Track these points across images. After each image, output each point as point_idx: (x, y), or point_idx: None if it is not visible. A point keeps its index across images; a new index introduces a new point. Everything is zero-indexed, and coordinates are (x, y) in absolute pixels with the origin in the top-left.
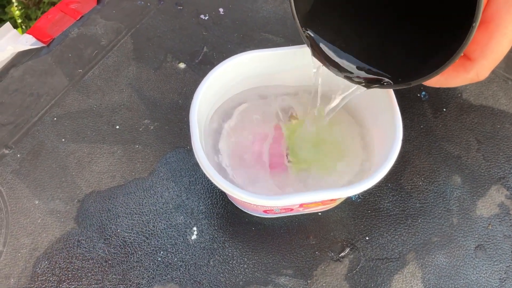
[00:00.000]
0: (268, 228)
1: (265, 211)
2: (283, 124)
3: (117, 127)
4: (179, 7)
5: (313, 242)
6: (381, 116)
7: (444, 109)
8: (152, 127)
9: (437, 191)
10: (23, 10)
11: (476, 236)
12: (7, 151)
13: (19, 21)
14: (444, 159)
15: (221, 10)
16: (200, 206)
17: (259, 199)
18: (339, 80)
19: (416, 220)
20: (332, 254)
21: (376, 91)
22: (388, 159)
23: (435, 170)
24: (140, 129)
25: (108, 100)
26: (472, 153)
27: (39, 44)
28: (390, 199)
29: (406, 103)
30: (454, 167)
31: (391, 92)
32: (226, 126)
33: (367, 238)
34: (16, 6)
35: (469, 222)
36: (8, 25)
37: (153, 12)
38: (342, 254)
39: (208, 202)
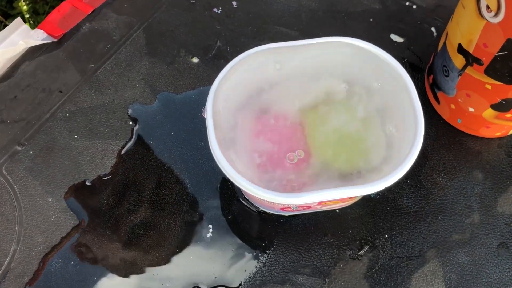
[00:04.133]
0: (285, 225)
1: (282, 209)
2: (303, 114)
3: (130, 123)
4: (191, 0)
5: (331, 240)
6: (404, 110)
7: None
8: (165, 124)
9: (458, 188)
10: (30, 4)
11: (498, 233)
12: (19, 148)
13: (27, 16)
14: (464, 154)
15: (234, 3)
16: (216, 203)
17: (276, 196)
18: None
19: (436, 217)
20: (351, 252)
21: (396, 87)
22: (409, 157)
23: (455, 166)
24: (154, 126)
25: (121, 96)
26: (493, 148)
27: (51, 39)
28: (410, 196)
29: (426, 98)
30: (474, 163)
31: (412, 88)
32: (243, 118)
33: (386, 236)
34: (23, 1)
35: (491, 219)
36: (19, 19)
37: (165, 6)
38: (361, 252)
39: (224, 199)
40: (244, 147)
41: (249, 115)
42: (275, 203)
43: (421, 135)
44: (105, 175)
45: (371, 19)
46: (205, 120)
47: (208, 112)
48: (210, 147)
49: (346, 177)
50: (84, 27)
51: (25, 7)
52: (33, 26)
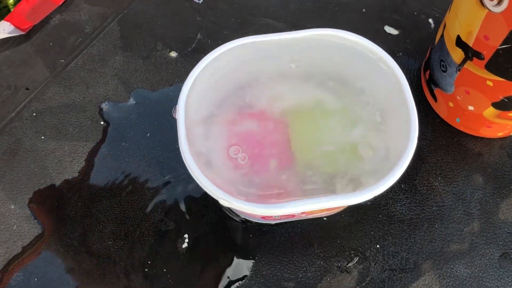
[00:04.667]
0: (267, 235)
1: (263, 217)
2: (289, 116)
3: (102, 122)
4: None
5: (318, 251)
6: (396, 109)
7: None
8: (139, 123)
9: (456, 193)
10: None
11: (501, 243)
12: None
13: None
14: (463, 156)
15: None
16: (193, 210)
17: (252, 207)
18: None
19: (432, 226)
20: (339, 264)
21: (389, 82)
22: (401, 162)
23: (453, 169)
24: (127, 126)
25: (92, 93)
26: (495, 149)
27: (18, 32)
28: (404, 202)
29: (422, 95)
30: (474, 166)
31: (405, 84)
32: (221, 115)
33: (377, 246)
34: None
35: (493, 227)
36: None
37: None
38: (350, 264)
39: (201, 206)
40: (221, 148)
41: (229, 113)
42: (254, 214)
43: (414, 141)
44: (73, 180)
45: (364, 10)
46: (176, 121)
47: (180, 113)
48: (181, 151)
49: (333, 184)
50: (54, 19)
51: (11, 0)
52: None
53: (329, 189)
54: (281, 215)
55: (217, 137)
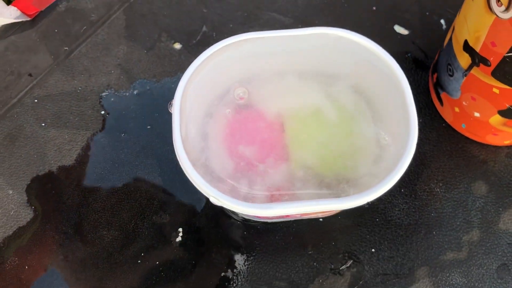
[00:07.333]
0: (261, 233)
1: (257, 216)
2: (286, 115)
3: (102, 112)
4: None
5: (311, 252)
6: (396, 112)
7: None
8: (140, 114)
9: (457, 200)
10: None
11: (500, 253)
12: None
13: None
14: (467, 163)
15: None
16: (188, 205)
17: (238, 205)
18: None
19: (430, 232)
20: (332, 266)
21: (389, 84)
22: (398, 167)
23: (456, 175)
24: (127, 116)
25: (94, 82)
26: (501, 157)
27: (24, 18)
28: (402, 207)
29: (429, 99)
30: (478, 173)
31: (406, 87)
32: (217, 113)
33: (372, 250)
34: None
35: (492, 237)
36: None
37: None
38: (344, 267)
39: (197, 200)
40: (217, 145)
41: (225, 110)
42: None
43: (412, 147)
44: (71, 168)
45: (374, 8)
46: (172, 116)
47: (176, 109)
48: (175, 147)
49: (329, 186)
50: (60, 6)
51: None
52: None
53: (323, 191)
54: (273, 216)
55: (213, 134)
